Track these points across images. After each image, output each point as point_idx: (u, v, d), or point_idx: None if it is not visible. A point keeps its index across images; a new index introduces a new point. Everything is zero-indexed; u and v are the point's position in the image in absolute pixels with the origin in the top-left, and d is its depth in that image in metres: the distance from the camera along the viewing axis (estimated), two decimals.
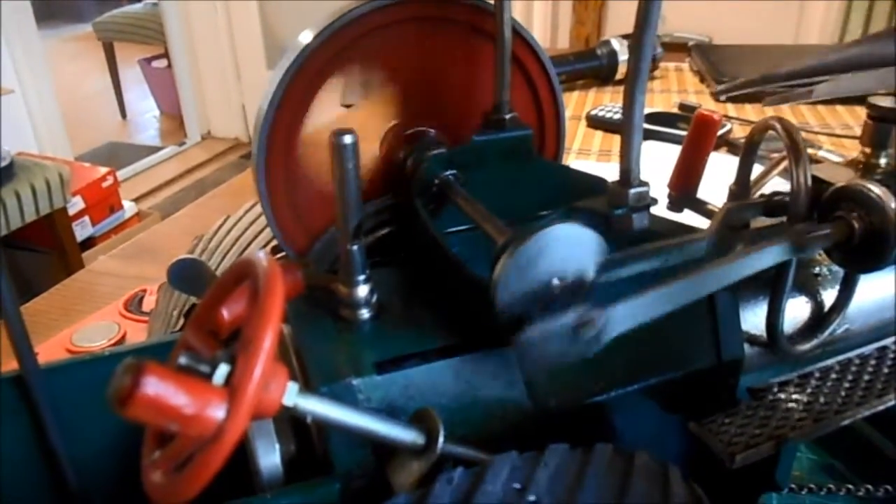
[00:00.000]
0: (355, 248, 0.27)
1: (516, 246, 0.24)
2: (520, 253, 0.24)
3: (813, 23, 2.19)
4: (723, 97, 1.01)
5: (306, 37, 0.33)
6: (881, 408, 0.30)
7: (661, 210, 0.34)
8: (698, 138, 0.35)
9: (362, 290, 0.28)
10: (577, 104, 1.02)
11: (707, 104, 1.01)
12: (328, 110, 0.34)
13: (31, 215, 1.58)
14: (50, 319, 0.59)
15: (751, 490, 0.31)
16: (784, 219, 0.29)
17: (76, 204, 1.78)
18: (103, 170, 1.92)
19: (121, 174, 2.20)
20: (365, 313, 0.28)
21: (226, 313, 0.24)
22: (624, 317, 0.24)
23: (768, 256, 0.27)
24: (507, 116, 0.34)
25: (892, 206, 0.27)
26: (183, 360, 0.19)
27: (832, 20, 2.15)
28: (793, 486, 0.38)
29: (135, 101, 3.36)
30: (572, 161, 0.83)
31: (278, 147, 0.33)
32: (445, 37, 0.35)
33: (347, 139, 0.25)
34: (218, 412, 0.18)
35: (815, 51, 1.02)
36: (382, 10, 0.33)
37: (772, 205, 0.29)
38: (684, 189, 0.36)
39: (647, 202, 0.25)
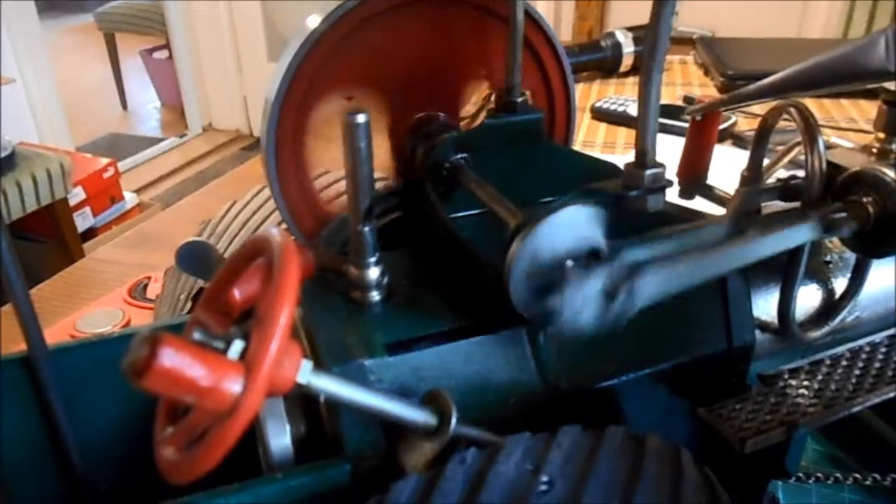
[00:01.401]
0: (366, 229, 0.27)
1: (529, 228, 0.24)
2: (533, 235, 0.24)
3: (816, 19, 2.18)
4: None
5: (314, 21, 0.33)
6: (891, 395, 0.30)
7: (671, 198, 0.34)
8: (702, 123, 0.34)
9: (373, 272, 0.28)
10: (581, 96, 1.02)
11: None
12: (337, 93, 0.34)
13: (32, 205, 1.58)
14: (54, 306, 0.59)
15: (759, 477, 0.31)
16: (798, 204, 0.29)
17: (77, 194, 1.78)
18: (104, 160, 1.91)
19: (122, 165, 2.20)
20: (376, 295, 0.28)
21: (237, 293, 0.24)
22: (653, 283, 0.24)
23: (798, 234, 0.27)
24: (518, 100, 0.34)
25: None
26: (197, 335, 0.19)
27: (835, 16, 2.14)
28: (800, 475, 0.38)
29: (136, 93, 3.35)
30: None
31: (288, 130, 0.33)
32: (455, 18, 0.35)
33: (360, 118, 0.24)
34: (234, 386, 0.17)
35: (816, 46, 1.01)
36: None
37: (789, 188, 0.29)
38: (693, 176, 0.36)
39: (662, 183, 0.25)
